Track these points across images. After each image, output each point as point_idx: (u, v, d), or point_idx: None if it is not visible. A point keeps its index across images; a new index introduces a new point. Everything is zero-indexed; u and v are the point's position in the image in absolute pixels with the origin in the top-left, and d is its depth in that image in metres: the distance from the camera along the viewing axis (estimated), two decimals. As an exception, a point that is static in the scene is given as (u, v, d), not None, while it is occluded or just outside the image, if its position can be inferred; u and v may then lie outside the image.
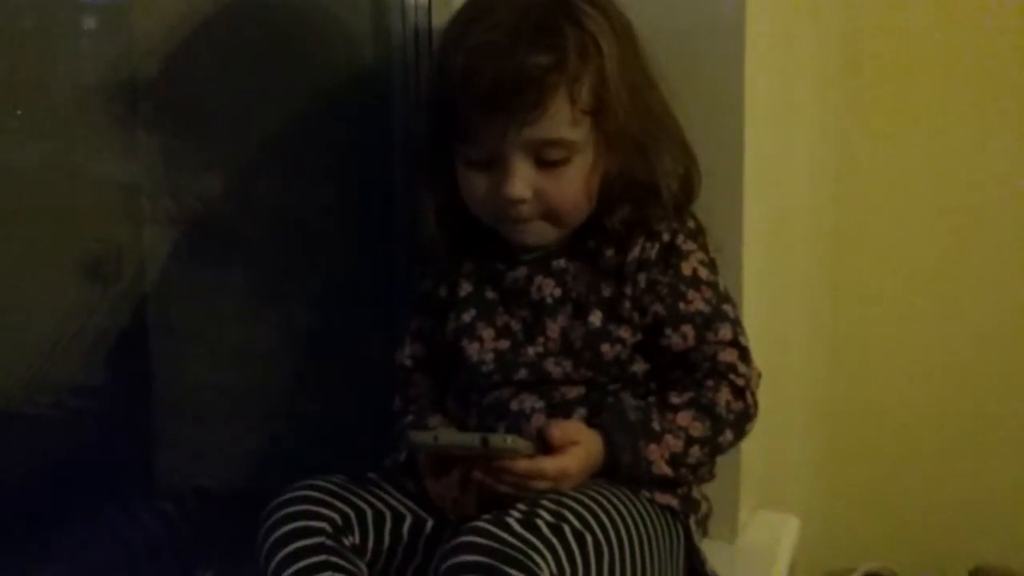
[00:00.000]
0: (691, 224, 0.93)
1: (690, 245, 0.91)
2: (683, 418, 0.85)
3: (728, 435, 0.87)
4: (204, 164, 1.04)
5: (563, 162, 0.86)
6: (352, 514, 0.85)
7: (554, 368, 0.89)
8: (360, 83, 1.09)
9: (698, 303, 0.89)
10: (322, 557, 0.81)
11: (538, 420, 0.88)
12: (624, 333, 0.89)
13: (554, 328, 0.89)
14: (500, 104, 0.83)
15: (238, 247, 1.05)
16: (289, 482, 0.87)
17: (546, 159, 0.86)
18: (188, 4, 1.00)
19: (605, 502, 0.80)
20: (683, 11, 0.99)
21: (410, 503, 0.89)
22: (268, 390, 1.08)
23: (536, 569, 0.71)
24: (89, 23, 0.99)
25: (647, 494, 0.85)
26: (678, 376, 0.89)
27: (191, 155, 1.04)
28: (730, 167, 0.99)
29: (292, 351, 1.09)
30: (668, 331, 0.88)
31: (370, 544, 0.86)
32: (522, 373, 0.89)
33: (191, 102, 1.01)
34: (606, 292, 0.89)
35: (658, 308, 0.89)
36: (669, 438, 0.84)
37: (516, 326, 0.91)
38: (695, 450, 0.85)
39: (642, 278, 0.89)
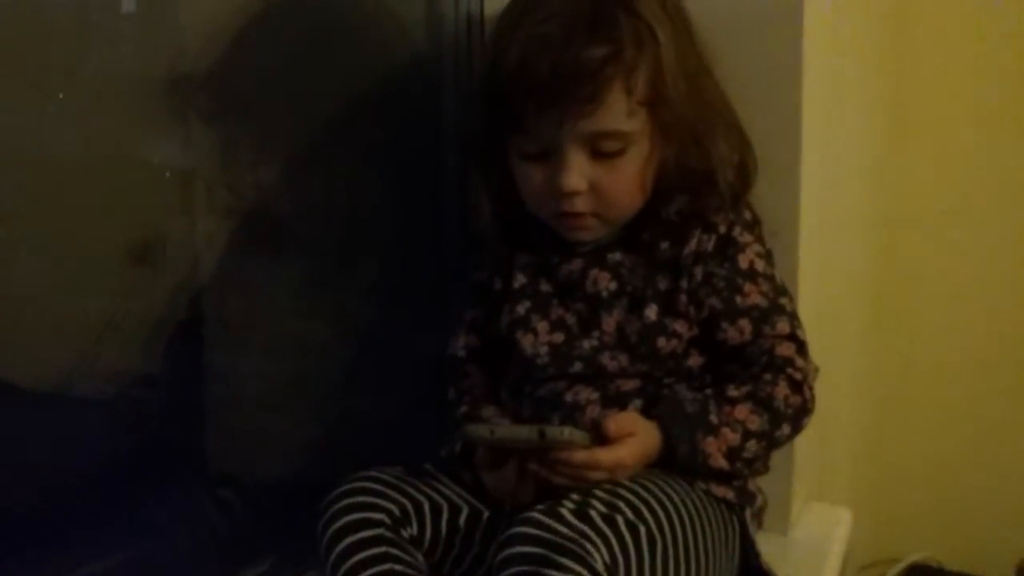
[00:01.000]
0: (747, 215, 0.93)
1: (747, 237, 0.90)
2: (741, 411, 0.85)
3: (785, 429, 0.87)
4: (258, 156, 1.04)
5: (618, 153, 0.86)
6: (410, 506, 0.86)
7: (609, 362, 0.89)
8: (412, 72, 1.09)
9: (755, 296, 0.88)
10: (382, 549, 0.82)
11: (593, 411, 0.88)
12: (680, 327, 0.88)
13: (610, 322, 0.89)
14: (556, 98, 0.83)
15: (292, 239, 1.06)
16: (344, 473, 0.88)
17: (601, 150, 0.86)
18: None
19: (660, 493, 0.80)
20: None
21: (466, 494, 0.89)
22: (322, 381, 1.08)
23: (590, 559, 0.71)
24: (142, 13, 0.99)
25: (703, 486, 0.85)
26: (735, 369, 0.88)
27: (245, 147, 1.04)
28: (787, 154, 0.98)
29: (346, 343, 1.09)
30: (725, 325, 0.88)
31: (428, 535, 0.87)
32: (577, 366, 0.89)
33: (245, 94, 1.01)
34: (662, 285, 0.89)
35: (714, 302, 0.88)
36: (727, 431, 0.84)
37: (571, 319, 0.91)
38: (752, 444, 0.85)
39: (698, 271, 0.89)
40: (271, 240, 1.04)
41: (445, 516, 0.88)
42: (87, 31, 0.97)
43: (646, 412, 0.86)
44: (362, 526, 0.83)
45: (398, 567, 0.82)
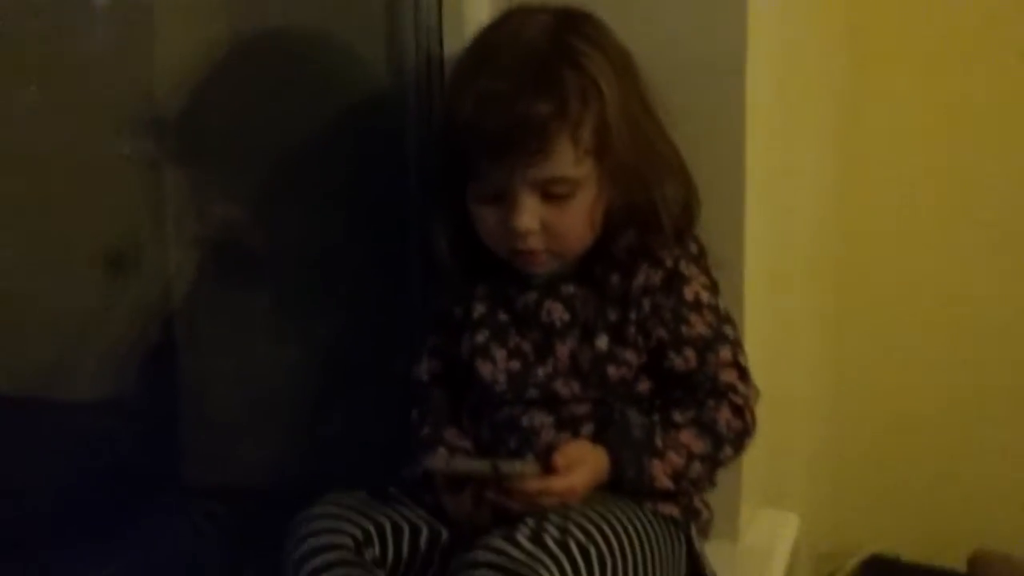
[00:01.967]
0: (693, 248, 0.97)
1: (692, 270, 0.95)
2: (685, 436, 0.90)
3: (728, 451, 0.92)
4: (227, 189, 1.08)
5: (568, 196, 0.90)
6: (372, 528, 0.90)
7: (563, 389, 0.93)
8: (375, 109, 1.13)
9: (699, 326, 0.93)
10: (345, 570, 0.86)
11: (548, 435, 0.93)
12: (629, 356, 0.93)
13: (563, 351, 0.94)
14: (506, 150, 0.87)
15: (260, 267, 1.10)
16: (310, 490, 0.92)
17: (551, 193, 0.90)
18: (208, 38, 1.04)
19: (609, 515, 0.85)
20: (684, 35, 1.02)
21: (426, 516, 0.94)
22: (291, 404, 1.13)
23: None
24: (114, 58, 1.03)
25: (650, 505, 0.90)
26: (681, 395, 0.93)
27: (214, 181, 1.08)
28: (732, 188, 1.03)
29: (314, 367, 1.14)
30: (671, 354, 0.93)
31: (390, 556, 0.91)
32: (532, 393, 0.94)
33: (213, 130, 1.05)
34: (612, 317, 0.93)
35: (661, 332, 0.93)
36: (672, 455, 0.89)
37: (527, 348, 0.95)
38: (696, 465, 0.90)
39: (646, 303, 0.93)
40: (239, 268, 1.08)
41: (406, 537, 0.92)
42: (68, 71, 1.00)
43: (597, 435, 0.91)
44: (327, 549, 0.87)
45: (361, 587, 0.87)
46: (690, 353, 0.92)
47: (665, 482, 0.89)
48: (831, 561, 1.66)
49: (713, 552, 0.98)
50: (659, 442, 0.89)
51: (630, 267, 0.94)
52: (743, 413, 0.92)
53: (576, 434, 0.92)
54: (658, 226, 0.93)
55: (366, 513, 0.91)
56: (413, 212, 1.10)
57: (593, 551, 0.81)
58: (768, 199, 1.10)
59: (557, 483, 0.84)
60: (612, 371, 0.93)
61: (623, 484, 0.89)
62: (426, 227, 1.00)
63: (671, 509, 0.92)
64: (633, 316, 0.93)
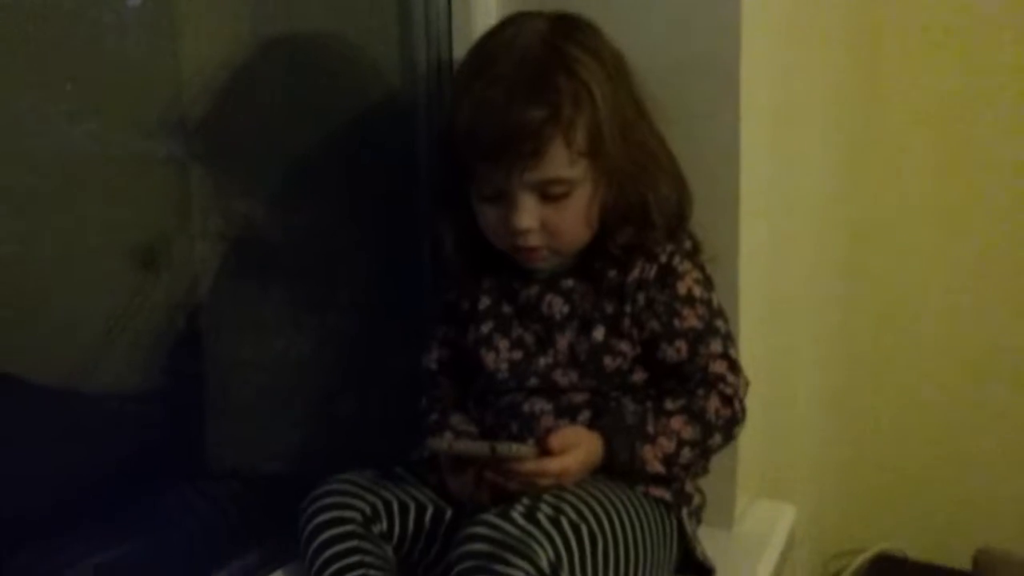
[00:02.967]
0: (687, 244, 1.02)
1: (686, 265, 0.99)
2: (676, 422, 0.94)
3: (717, 438, 0.96)
4: (249, 187, 1.14)
5: (564, 195, 0.95)
6: (380, 505, 0.96)
7: (561, 378, 0.98)
8: (388, 110, 1.18)
9: (691, 320, 0.97)
10: (353, 543, 0.92)
11: (547, 421, 0.97)
12: (624, 347, 0.98)
13: (562, 342, 0.99)
14: (502, 154, 0.92)
15: (279, 262, 1.15)
16: (325, 472, 0.98)
17: (549, 194, 0.94)
18: (230, 42, 1.10)
19: (601, 496, 0.89)
20: (678, 35, 1.06)
21: (432, 495, 0.99)
22: (306, 390, 1.18)
23: (535, 557, 0.80)
24: (142, 60, 1.08)
25: (642, 488, 0.94)
26: (673, 385, 0.97)
27: (236, 179, 1.13)
28: (726, 185, 1.07)
29: (328, 355, 1.19)
30: (664, 345, 0.97)
31: (396, 531, 0.96)
32: (533, 381, 0.99)
33: (235, 130, 1.11)
34: (608, 309, 0.98)
35: (655, 324, 0.97)
36: (662, 440, 0.93)
37: (529, 339, 1.00)
38: (686, 451, 0.94)
39: (641, 297, 0.98)
40: (260, 262, 1.14)
41: (412, 514, 0.97)
42: (98, 73, 1.05)
43: (593, 422, 0.96)
44: (336, 523, 0.93)
45: (367, 559, 0.92)
46: (682, 345, 0.97)
47: (656, 466, 0.93)
48: (838, 559, 1.68)
49: (708, 540, 1.02)
50: (650, 428, 0.93)
51: (626, 262, 0.98)
52: (732, 402, 0.96)
53: (574, 421, 0.97)
54: (651, 223, 0.98)
55: (374, 491, 0.96)
56: (423, 209, 1.15)
57: (585, 529, 0.85)
58: (764, 196, 1.14)
59: (552, 464, 0.88)
60: (608, 361, 0.97)
61: (616, 468, 0.93)
62: (434, 224, 1.05)
63: (662, 492, 0.96)
64: (628, 309, 0.97)
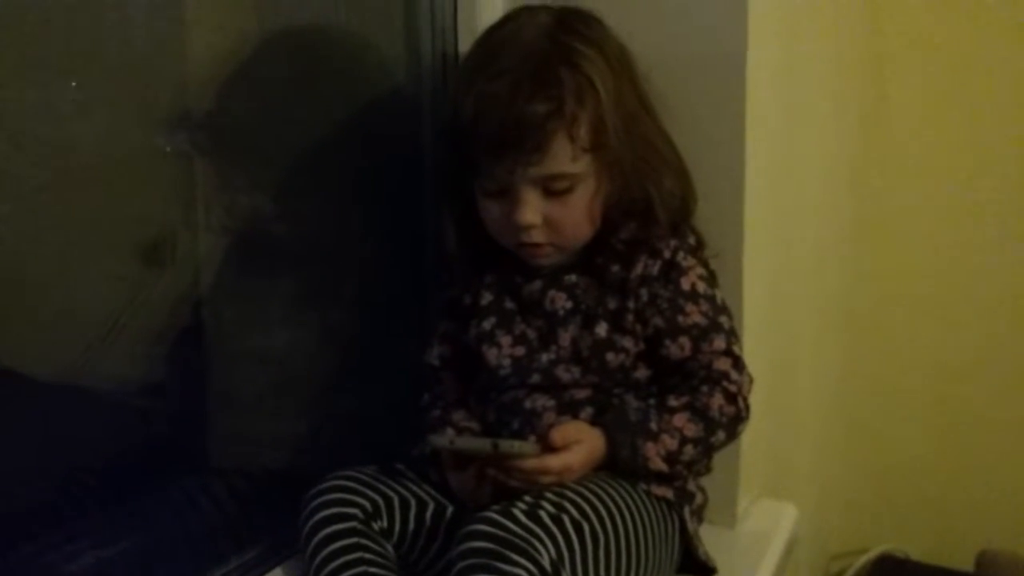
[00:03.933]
0: (692, 239, 1.01)
1: (690, 261, 0.99)
2: (679, 420, 0.93)
3: (720, 435, 0.95)
4: (253, 181, 1.13)
5: (568, 191, 0.94)
6: (381, 501, 0.95)
7: (564, 374, 0.97)
8: (393, 104, 1.18)
9: (695, 316, 0.97)
10: (354, 539, 0.92)
11: (549, 418, 0.97)
12: (627, 343, 0.97)
13: (565, 337, 0.98)
14: (505, 149, 0.91)
15: (283, 256, 1.15)
16: (327, 468, 0.97)
17: (552, 189, 0.94)
18: (235, 36, 1.09)
19: (603, 494, 0.89)
20: (685, 32, 1.05)
21: (433, 491, 0.98)
22: (308, 385, 1.18)
23: (537, 555, 0.80)
24: (148, 54, 1.08)
25: (644, 486, 0.94)
26: (676, 382, 0.97)
27: (240, 173, 1.13)
28: (731, 175, 1.06)
29: (330, 351, 1.19)
30: (667, 342, 0.96)
31: (396, 528, 0.96)
32: (535, 378, 0.98)
33: (240, 124, 1.11)
34: (611, 305, 0.98)
35: (658, 321, 0.97)
36: (665, 437, 0.93)
37: (531, 335, 1.00)
38: (689, 449, 0.94)
39: (644, 292, 0.97)
40: (264, 256, 1.14)
41: (413, 511, 0.97)
42: (104, 67, 1.05)
43: (595, 419, 0.95)
44: (337, 519, 0.92)
45: (368, 555, 0.91)
46: (685, 341, 0.96)
47: (659, 463, 0.93)
48: (840, 560, 1.68)
49: (710, 539, 1.02)
50: (654, 425, 0.93)
51: (630, 258, 0.98)
52: (736, 400, 0.95)
53: (576, 417, 0.96)
54: (655, 218, 0.97)
55: (375, 487, 0.96)
56: (427, 204, 1.15)
57: (587, 527, 0.84)
58: (769, 193, 1.14)
59: (553, 462, 0.88)
60: (611, 357, 0.97)
61: (619, 465, 0.92)
62: (439, 218, 1.04)
63: (665, 491, 0.96)
64: (631, 305, 0.97)
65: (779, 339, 1.26)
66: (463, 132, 0.93)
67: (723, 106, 1.04)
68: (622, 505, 0.90)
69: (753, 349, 1.05)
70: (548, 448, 0.88)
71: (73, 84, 1.02)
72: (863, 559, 1.66)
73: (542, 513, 0.83)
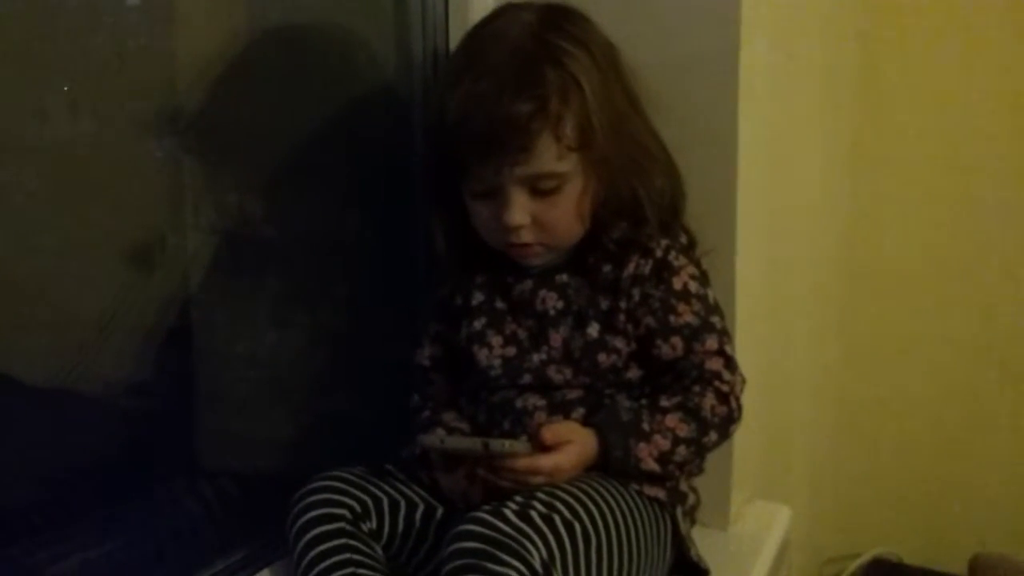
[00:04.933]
0: (683, 239, 1.01)
1: (681, 260, 0.98)
2: (671, 420, 0.93)
3: (713, 436, 0.95)
4: (242, 182, 1.13)
5: (555, 190, 0.94)
6: (370, 502, 0.94)
7: (556, 375, 0.97)
8: (384, 103, 1.17)
9: (687, 316, 0.96)
10: (342, 541, 0.91)
11: (540, 418, 0.96)
12: (619, 343, 0.96)
13: (556, 338, 0.97)
14: (491, 149, 0.91)
15: (273, 256, 1.15)
16: (316, 469, 0.96)
17: (539, 189, 0.93)
18: (225, 36, 1.09)
19: (595, 494, 0.88)
20: (677, 30, 1.05)
21: (423, 492, 0.98)
22: (298, 386, 1.17)
23: (527, 555, 0.79)
24: (137, 55, 1.07)
25: (636, 487, 0.93)
26: (668, 382, 0.96)
27: (230, 173, 1.13)
28: (722, 174, 1.07)
29: (320, 351, 1.18)
30: (659, 341, 0.96)
31: (386, 529, 0.95)
32: (527, 378, 0.98)
33: (230, 124, 1.10)
34: (603, 305, 0.97)
35: (650, 320, 0.96)
36: (658, 438, 0.92)
37: (522, 335, 0.99)
38: (681, 449, 0.93)
39: (636, 292, 0.96)
40: (253, 256, 1.13)
41: (402, 512, 0.96)
42: (93, 69, 1.05)
43: (587, 420, 0.95)
44: (325, 520, 0.91)
45: (356, 557, 0.91)
46: (677, 341, 0.96)
47: (651, 464, 0.92)
48: (834, 563, 1.67)
49: (703, 540, 1.01)
50: (646, 425, 0.92)
51: (621, 257, 0.97)
52: (728, 400, 0.95)
53: (567, 418, 0.96)
54: (644, 217, 0.97)
55: (364, 488, 0.95)
56: (417, 204, 1.14)
57: (578, 527, 0.84)
58: (762, 192, 1.14)
59: (544, 461, 0.87)
60: (603, 358, 0.96)
61: (610, 465, 0.92)
62: (429, 218, 1.04)
63: (657, 491, 0.95)
64: (623, 305, 0.96)
65: (772, 339, 1.25)
66: (449, 133, 0.93)
67: (716, 104, 1.04)
68: (614, 505, 0.89)
69: (746, 349, 1.05)
70: (539, 446, 0.88)
71: (63, 87, 1.02)
72: (856, 562, 1.65)
73: (533, 513, 0.82)
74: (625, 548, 0.89)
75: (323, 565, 0.90)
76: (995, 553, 1.52)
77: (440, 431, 0.98)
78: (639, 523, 0.91)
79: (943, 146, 1.49)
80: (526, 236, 0.95)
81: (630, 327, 0.97)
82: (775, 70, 1.16)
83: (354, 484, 0.95)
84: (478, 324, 1.01)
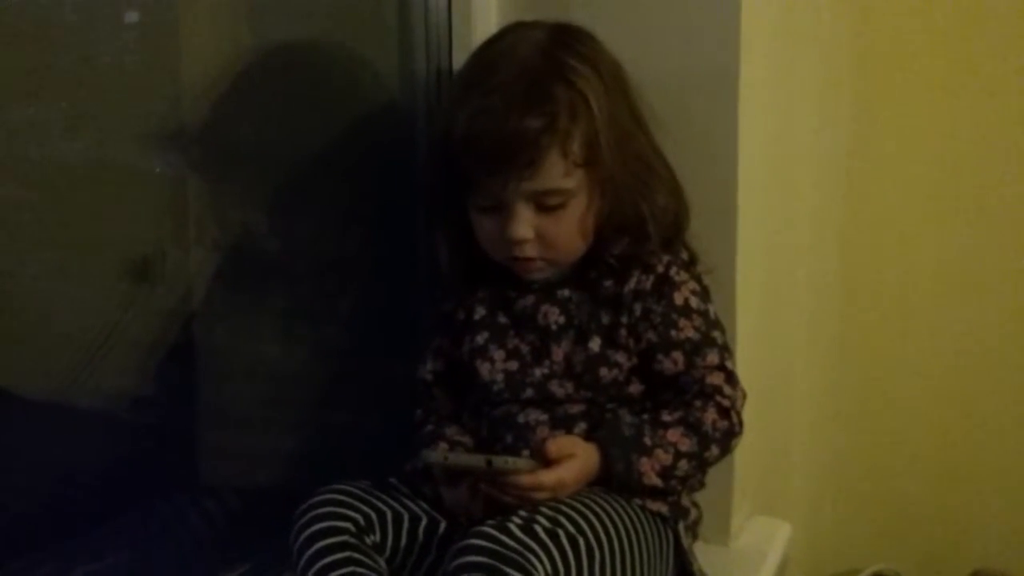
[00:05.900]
0: (684, 255, 1.02)
1: (683, 276, 0.99)
2: (673, 435, 0.93)
3: (714, 450, 0.95)
4: (245, 196, 1.14)
5: (560, 206, 0.94)
6: (374, 515, 0.94)
7: (558, 389, 0.97)
8: (387, 120, 1.18)
9: (688, 331, 0.97)
10: (346, 554, 0.90)
11: (543, 432, 0.96)
12: (621, 358, 0.97)
13: (558, 352, 0.98)
14: (499, 164, 0.92)
15: (275, 271, 1.15)
16: (319, 484, 0.96)
17: (545, 204, 0.94)
18: (229, 53, 1.10)
19: (599, 509, 0.88)
20: (678, 49, 1.06)
21: (426, 507, 0.97)
22: (301, 401, 1.18)
23: (532, 570, 0.79)
24: (140, 72, 1.08)
25: (639, 502, 0.93)
26: (670, 397, 0.96)
27: (233, 189, 1.13)
28: (724, 197, 1.07)
29: (323, 366, 1.18)
30: (660, 356, 0.96)
31: (389, 543, 0.95)
32: (529, 392, 0.98)
33: (233, 140, 1.11)
34: (605, 320, 0.98)
35: (651, 335, 0.97)
36: (660, 452, 0.92)
37: (524, 349, 1.00)
38: (683, 464, 0.93)
39: (637, 307, 0.97)
40: (255, 272, 1.14)
41: (406, 526, 0.96)
42: (96, 85, 1.05)
43: (589, 434, 0.95)
44: (329, 533, 0.91)
45: (360, 570, 0.90)
46: (678, 356, 0.96)
47: (653, 479, 0.92)
48: (833, 579, 1.67)
49: (704, 556, 1.01)
50: (647, 440, 0.92)
51: (623, 273, 0.98)
52: (729, 414, 0.95)
53: (570, 431, 0.96)
54: (647, 234, 0.97)
55: (368, 501, 0.95)
56: (421, 219, 1.15)
57: (582, 542, 0.84)
58: (762, 208, 1.14)
59: (547, 477, 0.87)
60: (604, 372, 0.97)
61: (613, 480, 0.92)
62: (431, 233, 1.04)
63: (659, 506, 0.95)
64: (625, 319, 0.97)
65: (772, 355, 1.26)
66: (456, 146, 0.93)
67: (716, 121, 1.05)
68: (617, 520, 0.89)
69: (746, 365, 1.05)
70: (543, 459, 0.88)
71: (65, 103, 1.02)
72: (856, 579, 1.65)
73: (537, 528, 0.82)
74: (628, 563, 0.89)
75: (327, 578, 0.90)
76: (996, 570, 1.53)
77: (443, 446, 0.99)
78: (642, 538, 0.91)
79: (939, 162, 1.50)
80: (530, 251, 0.96)
81: (631, 342, 0.97)
82: (774, 87, 1.17)
83: (357, 498, 0.95)
84: (480, 339, 1.02)
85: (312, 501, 0.94)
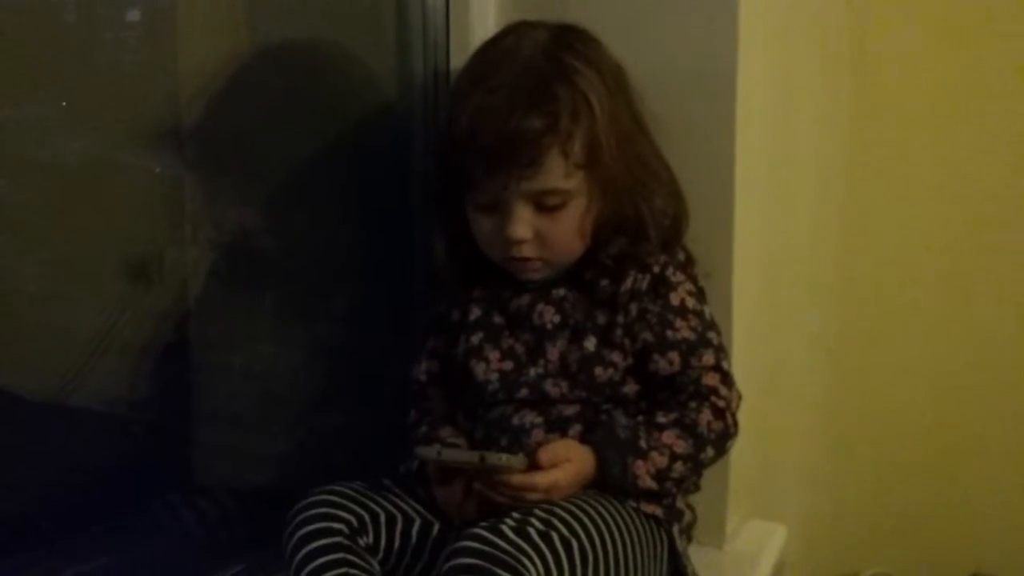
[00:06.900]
0: (681, 256, 1.02)
1: (679, 276, 0.99)
2: (668, 436, 0.93)
3: (709, 452, 0.95)
4: (242, 196, 1.14)
5: (559, 207, 0.94)
6: (367, 517, 0.94)
7: (552, 389, 0.97)
8: (384, 120, 1.18)
9: (684, 331, 0.96)
10: (339, 555, 0.90)
11: (537, 435, 0.96)
12: (616, 358, 0.97)
13: (553, 352, 0.98)
14: (500, 162, 0.92)
15: (271, 271, 1.15)
16: (313, 484, 0.96)
17: (544, 204, 0.94)
18: (227, 54, 1.10)
19: (592, 512, 0.88)
20: (677, 52, 1.06)
21: (420, 508, 0.97)
22: (296, 401, 1.18)
23: (525, 572, 0.79)
24: (138, 72, 1.08)
25: (633, 504, 0.93)
26: (665, 397, 0.96)
27: (230, 189, 1.13)
28: (721, 200, 1.07)
29: (318, 366, 1.18)
30: (656, 356, 0.96)
31: (382, 544, 0.95)
32: (523, 392, 0.98)
33: (230, 140, 1.11)
34: (600, 320, 0.97)
35: (647, 335, 0.97)
36: (655, 455, 0.92)
37: (519, 349, 1.00)
38: (678, 466, 0.93)
39: (633, 307, 0.97)
40: (251, 272, 1.14)
41: (399, 527, 0.96)
42: (93, 85, 1.05)
43: (584, 436, 0.95)
44: (323, 534, 0.91)
45: (353, 571, 0.90)
46: (674, 356, 0.96)
47: (648, 482, 0.92)
48: (830, 583, 1.67)
49: (699, 558, 1.01)
50: (643, 443, 0.92)
51: (619, 272, 0.98)
52: (725, 415, 0.95)
53: (564, 434, 0.96)
54: (645, 236, 0.97)
55: (361, 502, 0.95)
56: (417, 219, 1.15)
57: (575, 544, 0.84)
58: (759, 210, 1.14)
59: (541, 479, 0.87)
60: (599, 372, 0.96)
61: (607, 483, 0.91)
62: (428, 233, 1.04)
63: (654, 508, 0.95)
64: (620, 319, 0.97)
65: (768, 358, 1.26)
66: (457, 145, 0.94)
67: (714, 123, 1.05)
68: (611, 522, 0.89)
69: (742, 367, 1.05)
70: (536, 467, 0.87)
71: (63, 103, 1.02)
72: (852, 583, 1.65)
73: (530, 530, 0.82)
74: (622, 566, 0.88)
75: (320, 580, 0.89)
76: (992, 573, 1.53)
77: (437, 444, 0.98)
78: (636, 540, 0.91)
79: (939, 165, 1.50)
80: (527, 251, 0.96)
81: (627, 342, 0.97)
82: (773, 88, 1.16)
83: (351, 499, 0.95)
84: (475, 339, 1.01)
85: (306, 502, 0.93)
